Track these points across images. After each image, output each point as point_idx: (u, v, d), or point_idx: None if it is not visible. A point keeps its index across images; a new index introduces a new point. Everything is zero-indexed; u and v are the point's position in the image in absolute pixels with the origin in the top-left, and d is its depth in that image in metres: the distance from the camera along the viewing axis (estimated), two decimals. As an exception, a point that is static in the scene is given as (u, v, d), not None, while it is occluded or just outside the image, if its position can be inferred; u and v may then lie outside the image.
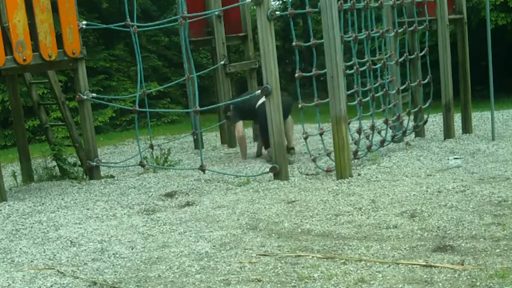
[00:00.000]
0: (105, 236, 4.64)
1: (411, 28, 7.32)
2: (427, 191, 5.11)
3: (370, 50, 6.72)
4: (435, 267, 3.46)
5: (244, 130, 7.49)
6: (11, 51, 6.10)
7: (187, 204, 5.49)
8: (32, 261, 4.19)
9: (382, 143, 6.99)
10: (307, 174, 6.22)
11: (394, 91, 7.18)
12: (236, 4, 7.49)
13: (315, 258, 3.77)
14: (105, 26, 7.96)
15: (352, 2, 6.22)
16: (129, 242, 4.45)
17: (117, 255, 4.15)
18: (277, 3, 18.16)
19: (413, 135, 7.88)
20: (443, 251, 3.71)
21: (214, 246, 4.17)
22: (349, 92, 6.34)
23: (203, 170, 6.51)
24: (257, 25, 5.92)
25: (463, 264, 3.46)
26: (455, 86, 7.81)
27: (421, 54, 7.43)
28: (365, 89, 6.69)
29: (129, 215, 5.26)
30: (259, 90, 6.13)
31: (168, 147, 8.32)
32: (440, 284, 3.23)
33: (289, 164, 6.51)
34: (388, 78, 7.13)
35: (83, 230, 4.87)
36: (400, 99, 7.33)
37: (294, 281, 3.42)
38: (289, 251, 3.94)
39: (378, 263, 3.59)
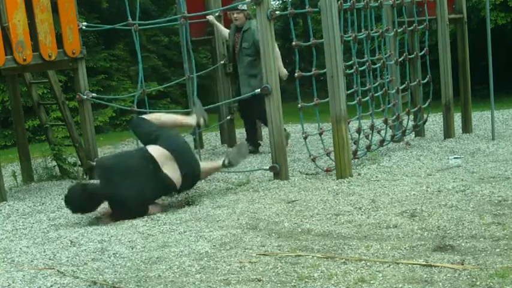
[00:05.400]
0: (105, 236, 4.64)
1: (411, 28, 7.32)
2: (427, 191, 5.11)
3: (369, 49, 6.73)
4: (435, 266, 3.46)
5: None
6: (11, 51, 6.10)
7: (187, 203, 5.49)
8: (32, 261, 4.19)
9: (382, 142, 6.99)
10: (307, 174, 6.22)
11: (393, 91, 7.18)
12: (236, 4, 7.48)
13: (315, 257, 3.77)
14: (105, 27, 7.95)
15: (352, 1, 6.22)
16: (129, 241, 4.45)
17: (117, 255, 4.15)
18: (277, 2, 18.16)
19: (413, 135, 7.88)
20: (443, 251, 3.71)
21: (214, 246, 4.17)
22: (348, 92, 6.35)
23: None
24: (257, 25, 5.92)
25: (463, 264, 3.45)
26: (455, 85, 7.81)
27: (421, 53, 7.44)
28: (364, 88, 6.70)
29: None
30: (259, 89, 6.12)
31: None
32: (440, 284, 3.23)
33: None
34: (387, 78, 7.13)
35: (83, 230, 4.87)
36: (399, 98, 7.33)
37: (294, 281, 3.42)
38: (289, 251, 3.94)
39: (378, 263, 3.59)
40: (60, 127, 9.49)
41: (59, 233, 4.83)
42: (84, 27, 6.87)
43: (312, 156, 6.26)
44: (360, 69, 6.52)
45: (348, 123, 6.09)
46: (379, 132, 7.12)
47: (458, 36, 7.95)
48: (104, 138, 11.61)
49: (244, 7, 7.31)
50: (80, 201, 4.98)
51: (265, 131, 7.99)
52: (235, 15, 7.45)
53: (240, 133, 9.50)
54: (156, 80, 14.27)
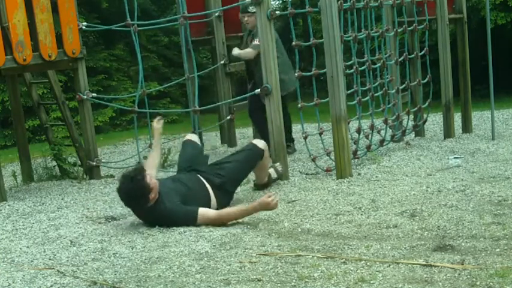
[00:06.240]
0: (105, 236, 4.64)
1: (411, 28, 7.32)
2: (427, 191, 5.11)
3: (369, 49, 6.73)
4: (435, 266, 3.46)
5: None
6: (11, 51, 6.10)
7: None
8: (32, 261, 4.19)
9: (382, 142, 6.99)
10: (307, 174, 6.22)
11: (393, 91, 7.19)
12: (236, 4, 7.48)
13: (315, 257, 3.77)
14: (104, 27, 7.94)
15: (352, 1, 6.22)
16: (129, 241, 4.45)
17: (117, 255, 4.15)
18: (277, 2, 18.14)
19: (413, 135, 7.88)
20: (443, 251, 3.71)
21: (214, 245, 4.17)
22: (348, 92, 6.35)
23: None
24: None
25: (463, 264, 3.46)
26: (455, 85, 7.81)
27: (421, 53, 7.44)
28: (364, 88, 6.70)
29: (129, 215, 5.25)
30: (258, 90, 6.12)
31: (168, 147, 8.33)
32: (440, 284, 3.23)
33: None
34: (387, 78, 7.13)
35: (83, 230, 4.87)
36: (399, 98, 7.33)
37: (294, 281, 3.42)
38: (289, 251, 3.94)
39: (378, 263, 3.59)
40: (60, 127, 9.49)
41: (59, 233, 4.83)
42: (84, 27, 6.87)
43: (312, 156, 6.26)
44: (360, 69, 6.52)
45: (348, 123, 6.09)
46: (379, 132, 7.12)
47: (458, 36, 7.95)
48: (104, 138, 11.60)
49: (255, 10, 7.20)
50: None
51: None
52: (246, 18, 7.23)
53: (240, 133, 9.52)
54: (156, 80, 14.26)
